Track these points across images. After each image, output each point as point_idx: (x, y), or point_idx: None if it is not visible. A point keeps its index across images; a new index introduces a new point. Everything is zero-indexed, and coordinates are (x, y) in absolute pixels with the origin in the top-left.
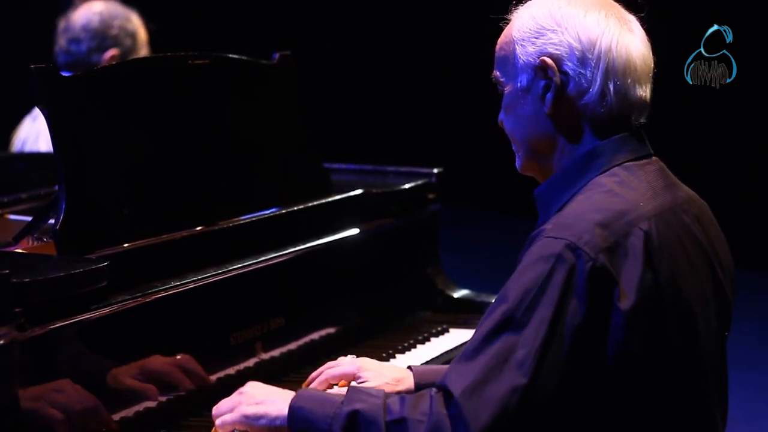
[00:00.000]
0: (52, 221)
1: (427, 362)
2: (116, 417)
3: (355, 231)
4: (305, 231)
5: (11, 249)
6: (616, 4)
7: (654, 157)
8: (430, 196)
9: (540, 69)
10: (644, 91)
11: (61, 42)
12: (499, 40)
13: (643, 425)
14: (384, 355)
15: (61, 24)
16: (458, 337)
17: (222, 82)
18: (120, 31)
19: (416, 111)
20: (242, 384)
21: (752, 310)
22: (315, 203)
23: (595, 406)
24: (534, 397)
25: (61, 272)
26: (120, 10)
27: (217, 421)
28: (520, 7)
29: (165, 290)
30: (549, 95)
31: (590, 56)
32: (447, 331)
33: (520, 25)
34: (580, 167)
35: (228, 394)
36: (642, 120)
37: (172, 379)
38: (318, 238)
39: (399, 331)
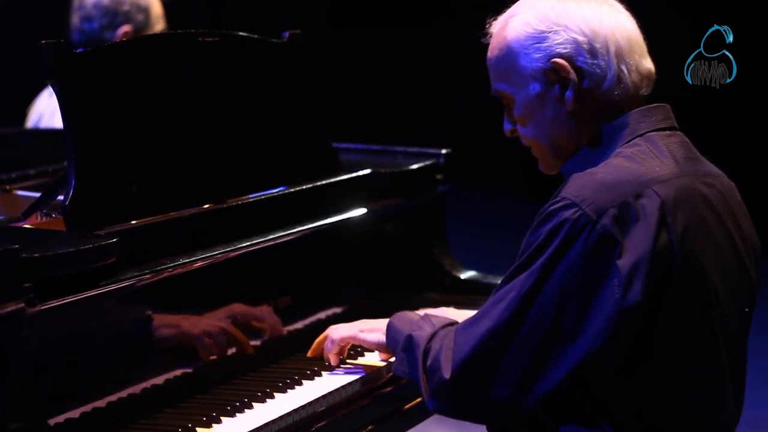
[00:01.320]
0: (61, 197)
1: None
2: (124, 393)
3: (362, 211)
4: (313, 210)
5: (20, 224)
6: None
7: (679, 132)
8: (438, 176)
9: (552, 72)
10: (649, 62)
11: (75, 20)
12: (492, 55)
13: (646, 382)
14: None
15: (75, 2)
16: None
17: (232, 60)
18: (131, 7)
19: (426, 92)
20: (249, 362)
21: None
22: (323, 182)
23: (597, 360)
24: (516, 337)
25: (71, 248)
26: None
27: (335, 335)
28: (499, 18)
29: (173, 267)
30: (568, 93)
31: (598, 45)
32: None
33: (516, 34)
34: (603, 142)
35: (235, 371)
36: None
37: (177, 355)
38: (326, 218)
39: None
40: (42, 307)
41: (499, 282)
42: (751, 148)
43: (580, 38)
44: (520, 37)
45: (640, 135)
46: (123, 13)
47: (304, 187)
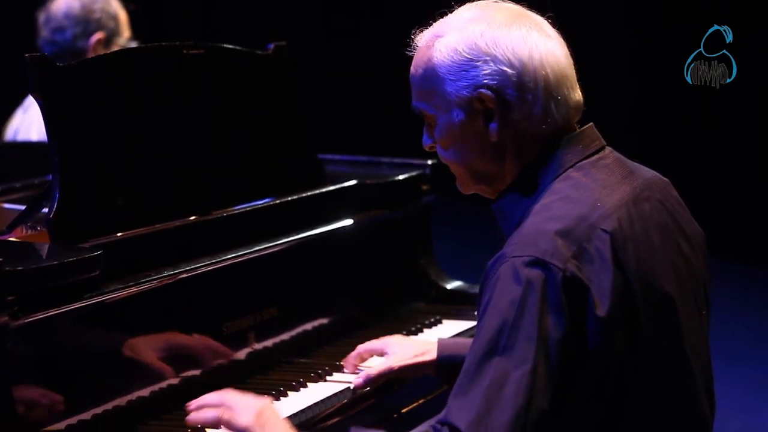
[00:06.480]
0: (45, 210)
1: None
2: (108, 405)
3: (348, 222)
4: (299, 221)
5: (5, 237)
6: (527, 11)
7: (607, 149)
8: (424, 187)
9: (478, 101)
10: (578, 94)
11: (44, 33)
12: (416, 73)
13: (629, 414)
14: None
15: (41, 16)
16: (451, 328)
17: (217, 72)
18: (102, 14)
19: (411, 102)
20: (235, 374)
21: (747, 304)
22: (309, 194)
23: (582, 404)
24: (538, 414)
25: (55, 261)
26: None
27: (195, 416)
28: (425, 33)
29: (158, 280)
30: (493, 125)
31: (527, 79)
32: (440, 322)
33: (442, 59)
34: (533, 176)
35: (220, 383)
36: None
37: (163, 367)
38: (311, 229)
39: (392, 322)
40: (26, 320)
41: (474, 348)
42: (751, 148)
43: (509, 71)
44: (446, 62)
45: (571, 167)
46: (95, 21)
47: (289, 198)
